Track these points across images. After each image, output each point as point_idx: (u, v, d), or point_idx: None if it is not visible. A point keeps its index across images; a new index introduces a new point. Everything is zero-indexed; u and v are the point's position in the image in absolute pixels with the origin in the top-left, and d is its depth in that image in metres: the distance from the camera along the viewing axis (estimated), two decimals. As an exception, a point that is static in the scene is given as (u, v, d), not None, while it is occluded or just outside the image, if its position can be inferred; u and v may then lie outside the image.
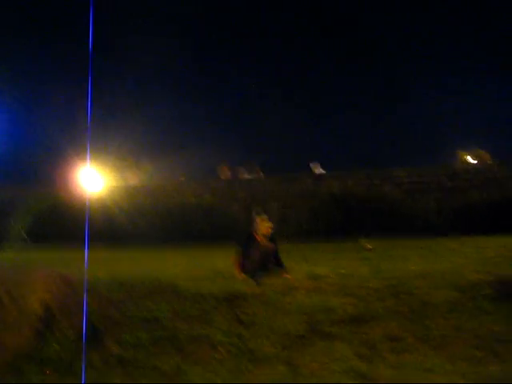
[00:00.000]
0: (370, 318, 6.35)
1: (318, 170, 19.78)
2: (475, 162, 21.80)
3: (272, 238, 8.67)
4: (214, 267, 9.59)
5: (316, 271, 8.70)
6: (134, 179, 22.18)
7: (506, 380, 4.66)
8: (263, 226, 8.59)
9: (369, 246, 11.95)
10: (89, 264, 9.08)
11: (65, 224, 16.46)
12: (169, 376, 4.94)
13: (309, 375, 4.94)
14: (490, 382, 4.64)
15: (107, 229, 15.44)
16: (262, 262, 8.33)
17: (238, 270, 8.52)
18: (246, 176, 20.46)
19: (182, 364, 5.17)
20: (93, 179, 18.91)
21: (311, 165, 20.00)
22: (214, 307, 6.75)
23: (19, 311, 5.48)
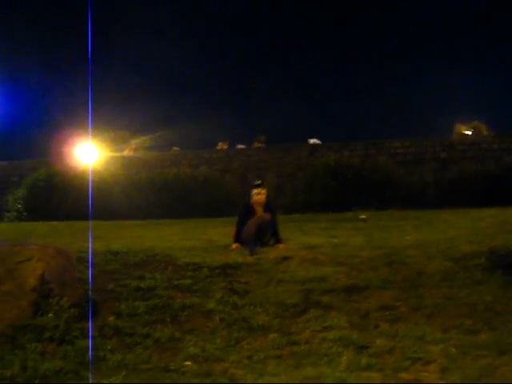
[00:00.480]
0: (363, 287, 6.40)
1: (314, 141, 19.69)
2: (471, 133, 21.71)
3: (269, 209, 8.59)
4: (208, 238, 9.63)
5: (310, 241, 8.74)
6: (129, 151, 22.06)
7: (496, 347, 4.72)
8: (257, 196, 8.54)
9: (363, 216, 11.99)
10: (84, 236, 9.14)
11: (61, 197, 16.42)
12: (163, 344, 4.99)
13: (302, 343, 5.00)
14: (481, 350, 4.69)
15: (102, 201, 15.40)
16: (258, 233, 8.24)
17: (233, 240, 8.52)
18: (241, 146, 20.35)
19: (176, 332, 5.22)
20: (89, 152, 18.86)
21: (310, 141, 19.92)
22: (208, 276, 6.78)
23: (15, 283, 5.48)
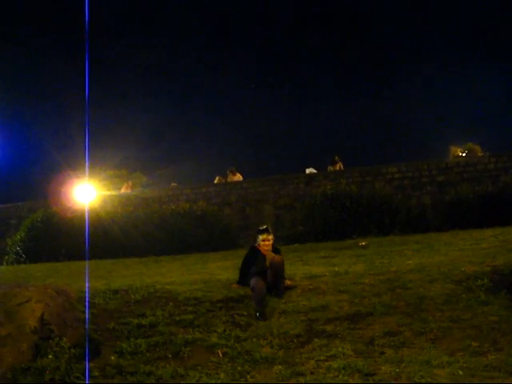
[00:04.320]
0: (367, 314, 6.35)
1: (310, 170, 19.73)
2: (466, 155, 21.84)
3: (276, 250, 8.14)
4: (209, 272, 9.57)
5: (311, 271, 8.69)
6: (126, 188, 22.09)
7: (504, 368, 4.66)
8: (263, 243, 8.07)
9: (363, 243, 11.94)
10: (84, 276, 9.09)
11: (59, 238, 16.34)
12: (166, 381, 4.92)
13: (307, 374, 4.93)
14: (489, 372, 4.63)
15: (101, 240, 15.36)
16: (272, 278, 7.52)
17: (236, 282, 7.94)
18: (237, 178, 20.31)
19: (179, 368, 5.15)
20: (87, 191, 18.86)
21: (307, 170, 19.98)
22: (210, 310, 6.73)
23: (15, 326, 5.43)
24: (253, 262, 7.90)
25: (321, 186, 17.10)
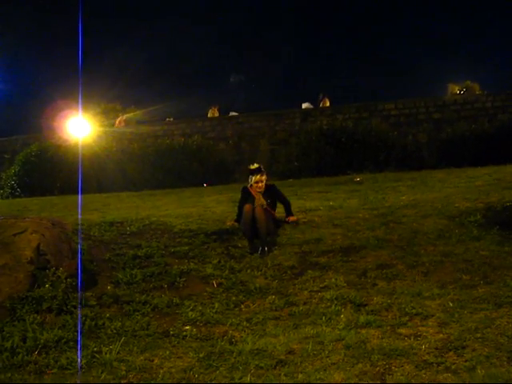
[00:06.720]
0: (360, 247, 6.42)
1: (307, 105, 19.50)
2: (464, 93, 21.59)
3: (272, 192, 7.59)
4: (204, 205, 9.60)
5: (306, 205, 8.72)
6: (121, 124, 21.84)
7: (493, 301, 4.74)
8: (256, 185, 7.49)
9: (358, 179, 11.95)
10: (79, 209, 9.10)
11: (54, 172, 16.29)
12: (161, 310, 5.01)
13: (300, 304, 5.02)
14: (479, 304, 4.71)
15: (95, 175, 15.34)
16: (255, 226, 6.96)
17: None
18: (234, 114, 20.13)
19: (174, 298, 5.24)
20: (81, 126, 18.67)
21: (303, 105, 19.72)
22: (205, 242, 6.80)
23: (11, 256, 5.46)
24: (246, 203, 7.33)
25: (317, 121, 16.96)
